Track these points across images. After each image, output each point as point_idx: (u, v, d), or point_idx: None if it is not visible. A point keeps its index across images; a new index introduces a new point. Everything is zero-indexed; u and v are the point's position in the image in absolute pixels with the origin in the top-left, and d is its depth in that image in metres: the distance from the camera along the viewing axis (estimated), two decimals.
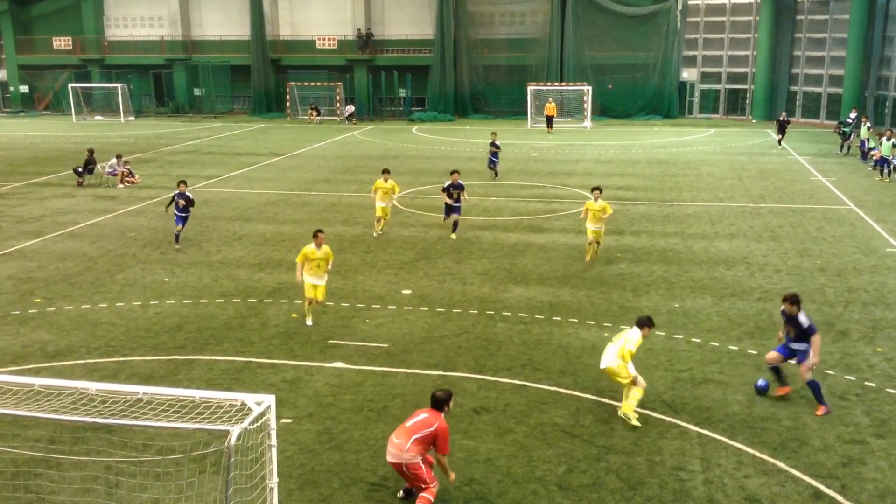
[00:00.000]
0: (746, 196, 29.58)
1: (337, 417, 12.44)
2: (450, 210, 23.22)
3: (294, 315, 17.00)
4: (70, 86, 61.98)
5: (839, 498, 10.22)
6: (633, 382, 11.94)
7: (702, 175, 34.17)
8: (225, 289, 18.93)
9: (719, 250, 22.02)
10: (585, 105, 54.25)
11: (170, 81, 65.61)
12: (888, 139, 33.36)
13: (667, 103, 58.00)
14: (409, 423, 9.86)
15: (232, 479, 7.86)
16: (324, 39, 63.03)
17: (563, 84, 56.68)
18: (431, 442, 9.69)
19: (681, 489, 10.44)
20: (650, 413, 12.39)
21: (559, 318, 16.79)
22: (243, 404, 8.07)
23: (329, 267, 16.32)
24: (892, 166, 32.78)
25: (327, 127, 56.21)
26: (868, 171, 34.73)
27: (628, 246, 22.53)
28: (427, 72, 60.14)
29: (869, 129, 38.35)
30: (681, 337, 15.70)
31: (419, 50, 61.31)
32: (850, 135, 40.47)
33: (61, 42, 66.62)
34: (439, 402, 9.98)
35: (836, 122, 45.04)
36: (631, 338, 12.15)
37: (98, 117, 61.80)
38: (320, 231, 16.30)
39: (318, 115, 60.23)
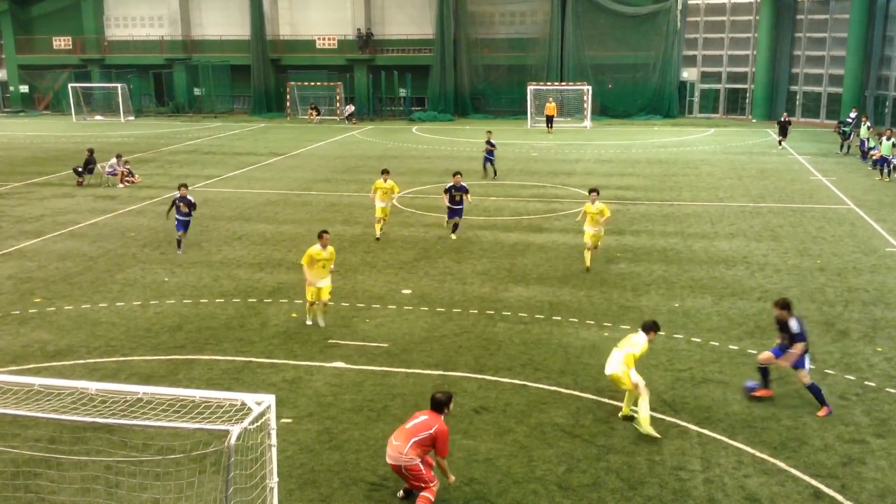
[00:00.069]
0: (746, 196, 29.58)
1: (337, 417, 12.44)
2: (452, 213, 23.11)
3: (294, 315, 17.01)
4: (70, 85, 62.00)
5: (839, 497, 10.23)
6: (635, 388, 11.86)
7: (702, 175, 34.18)
8: (225, 288, 18.93)
9: (719, 250, 22.03)
10: (585, 105, 54.25)
11: (170, 81, 65.64)
12: (888, 139, 33.37)
13: (667, 103, 58.00)
14: (409, 425, 9.85)
15: (232, 478, 7.86)
16: (324, 39, 63.04)
17: (563, 84, 56.68)
18: (431, 444, 9.67)
19: (681, 489, 10.44)
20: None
21: (559, 318, 16.80)
22: (243, 404, 8.07)
23: (332, 267, 16.33)
24: (891, 166, 32.78)
25: (327, 127, 56.21)
26: (868, 171, 34.73)
27: (628, 245, 22.54)
28: (427, 71, 60.15)
29: (869, 128, 38.34)
30: (681, 336, 15.71)
31: (419, 50, 61.32)
32: (850, 134, 40.47)
33: (61, 42, 66.63)
34: (439, 405, 9.94)
35: (836, 122, 45.01)
36: (636, 343, 12.03)
37: (98, 117, 61.81)
38: (325, 232, 16.18)
39: (318, 114, 60.24)
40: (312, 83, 61.80)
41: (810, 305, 17.44)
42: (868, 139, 37.36)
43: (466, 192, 22.96)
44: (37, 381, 8.51)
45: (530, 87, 55.24)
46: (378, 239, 23.14)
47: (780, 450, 11.38)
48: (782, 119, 42.73)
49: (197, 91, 65.20)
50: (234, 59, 63.42)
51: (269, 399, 8.14)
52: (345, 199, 29.37)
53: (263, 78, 62.98)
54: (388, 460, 9.76)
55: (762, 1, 54.43)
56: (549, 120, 51.59)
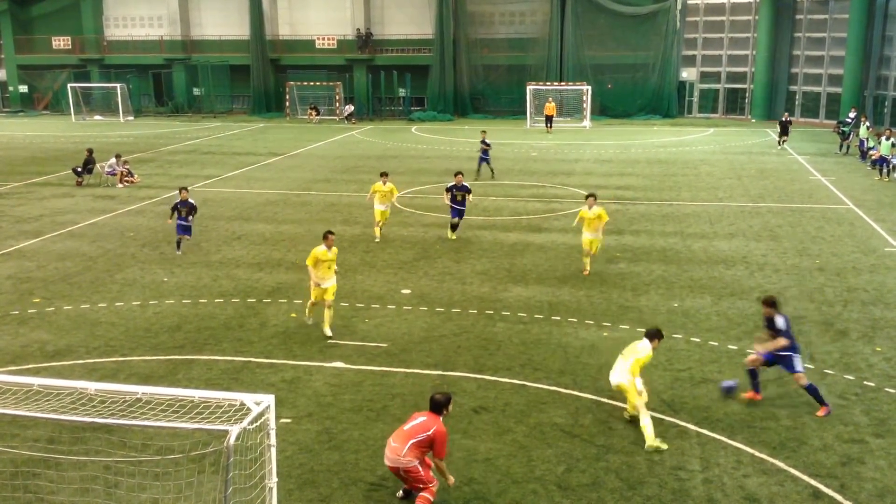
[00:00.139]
0: (746, 195, 29.59)
1: (336, 417, 12.44)
2: (454, 213, 23.04)
3: (293, 315, 17.00)
4: (69, 85, 62.00)
5: (838, 497, 10.23)
6: (640, 395, 11.69)
7: (701, 175, 34.18)
8: (224, 288, 18.92)
9: (718, 250, 22.03)
10: (585, 105, 54.26)
11: (169, 81, 65.62)
12: (887, 138, 33.39)
13: (666, 103, 58.00)
14: (407, 426, 9.84)
15: (231, 478, 7.86)
16: (323, 39, 63.03)
17: (562, 84, 56.67)
18: (429, 446, 9.66)
19: (680, 488, 10.44)
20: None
21: (558, 318, 16.79)
22: (242, 404, 8.06)
23: (336, 268, 16.21)
24: (891, 166, 32.79)
25: (326, 127, 56.21)
26: (867, 171, 34.74)
27: (627, 245, 22.54)
28: (426, 71, 60.14)
29: (868, 128, 38.35)
30: (680, 336, 15.70)
31: (419, 49, 61.31)
32: (849, 134, 40.47)
33: (60, 42, 66.59)
34: (438, 406, 9.90)
35: (835, 122, 45.02)
36: (642, 350, 11.89)
37: (97, 117, 61.79)
38: (331, 232, 15.90)
39: (318, 114, 60.22)
40: (312, 83, 61.80)
41: (809, 305, 17.45)
42: (867, 139, 37.37)
43: (469, 191, 22.93)
44: (36, 381, 8.50)
45: (530, 87, 55.24)
46: (377, 241, 23.10)
47: (780, 449, 11.38)
48: (784, 119, 42.72)
49: (196, 91, 65.20)
50: (233, 59, 63.42)
51: (269, 399, 8.13)
52: (344, 199, 29.37)
53: (263, 78, 62.98)
54: (387, 462, 9.75)
55: (761, 1, 54.43)
56: (549, 120, 51.60)
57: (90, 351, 15.17)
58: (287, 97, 62.00)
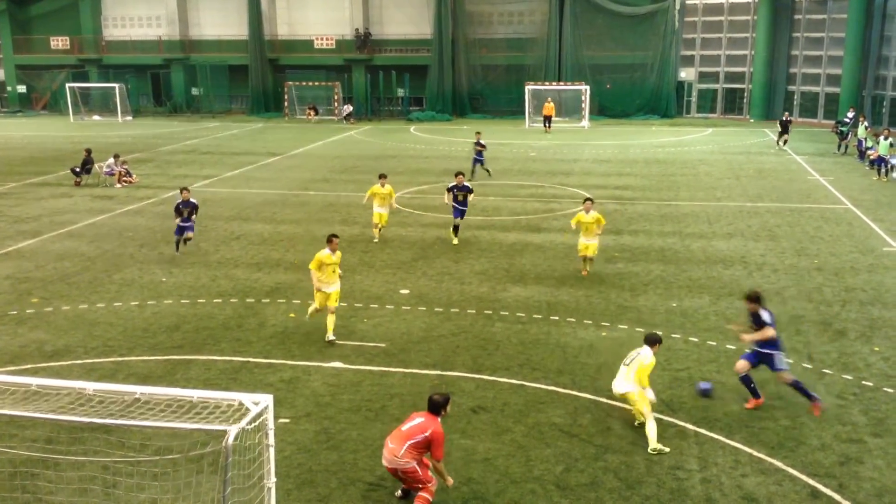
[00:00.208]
0: (744, 195, 29.61)
1: (335, 417, 12.44)
2: (456, 213, 22.93)
3: (292, 315, 17.00)
4: (68, 85, 61.94)
5: (836, 497, 10.24)
6: (649, 405, 11.61)
7: (699, 174, 34.20)
8: (223, 288, 18.92)
9: (717, 250, 22.04)
10: (583, 105, 54.27)
11: (167, 81, 65.60)
12: (885, 138, 33.42)
13: (664, 103, 58.02)
14: (405, 427, 9.82)
15: (229, 478, 7.86)
16: (322, 39, 63.02)
17: (561, 84, 56.70)
18: (426, 447, 9.65)
19: (678, 488, 10.45)
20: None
21: (557, 318, 16.80)
22: (241, 404, 8.06)
23: (340, 272, 16.05)
24: (889, 166, 32.82)
25: (325, 126, 56.20)
26: (865, 171, 34.77)
27: (626, 245, 22.55)
28: (425, 71, 60.14)
29: (866, 128, 38.39)
30: (678, 336, 15.71)
31: (417, 49, 61.31)
32: (847, 134, 40.50)
33: (59, 42, 66.54)
34: (436, 407, 9.88)
35: (833, 122, 45.04)
36: (646, 356, 11.76)
37: (96, 117, 61.75)
38: (335, 236, 15.69)
39: (316, 114, 60.22)
40: (310, 83, 61.78)
41: (808, 305, 17.46)
42: (865, 139, 37.39)
43: (470, 191, 22.81)
44: (34, 381, 8.50)
45: (528, 87, 55.25)
46: (376, 241, 23.05)
47: (778, 449, 11.39)
48: (784, 118, 42.71)
49: (195, 91, 65.18)
50: (231, 59, 63.39)
51: (267, 399, 8.13)
52: (343, 199, 29.36)
53: (261, 78, 62.95)
54: (385, 462, 9.75)
55: (760, 1, 54.47)
56: (547, 120, 51.61)
57: (88, 351, 15.16)
58: (286, 97, 61.98)
